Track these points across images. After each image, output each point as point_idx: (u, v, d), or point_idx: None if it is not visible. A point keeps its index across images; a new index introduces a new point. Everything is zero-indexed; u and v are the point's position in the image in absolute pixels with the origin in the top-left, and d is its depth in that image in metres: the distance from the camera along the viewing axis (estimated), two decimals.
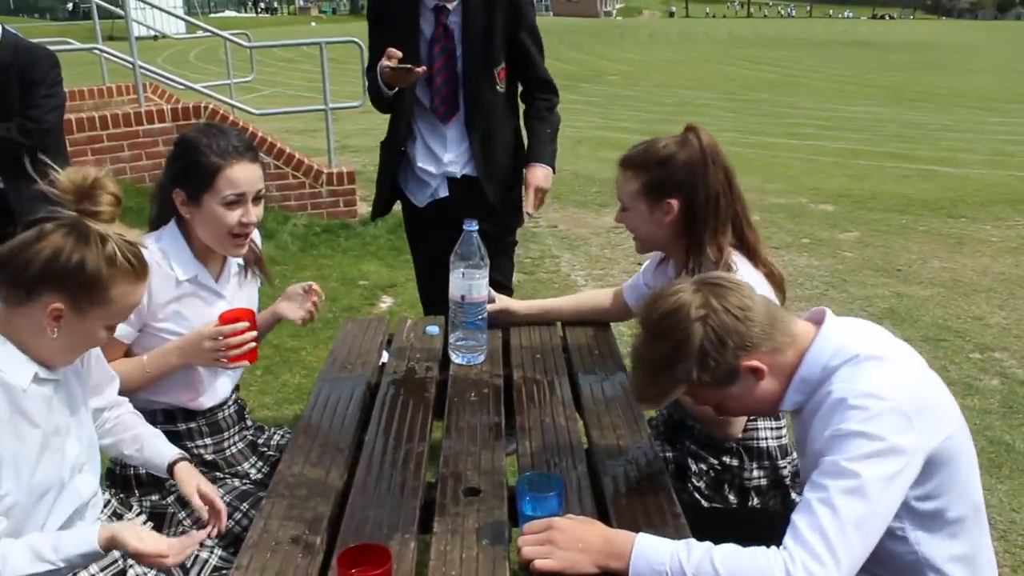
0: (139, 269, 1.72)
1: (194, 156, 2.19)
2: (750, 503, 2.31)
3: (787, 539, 1.59)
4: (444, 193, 3.39)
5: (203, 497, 2.02)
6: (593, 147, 11.21)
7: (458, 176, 3.38)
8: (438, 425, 2.33)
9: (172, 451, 2.11)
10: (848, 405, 1.63)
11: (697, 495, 2.31)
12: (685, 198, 2.24)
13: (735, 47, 26.90)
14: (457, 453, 2.11)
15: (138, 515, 2.02)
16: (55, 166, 1.73)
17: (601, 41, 28.89)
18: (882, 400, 1.62)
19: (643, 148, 2.30)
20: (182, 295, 2.27)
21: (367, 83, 3.36)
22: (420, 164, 3.38)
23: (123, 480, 2.24)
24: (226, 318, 2.24)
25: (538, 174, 3.37)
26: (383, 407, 2.36)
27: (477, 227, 2.49)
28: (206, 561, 2.03)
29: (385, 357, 2.72)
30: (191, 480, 2.04)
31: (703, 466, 2.34)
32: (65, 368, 1.81)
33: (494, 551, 1.73)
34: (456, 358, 2.61)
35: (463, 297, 2.51)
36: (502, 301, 2.79)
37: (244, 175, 2.22)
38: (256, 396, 4.30)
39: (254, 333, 2.27)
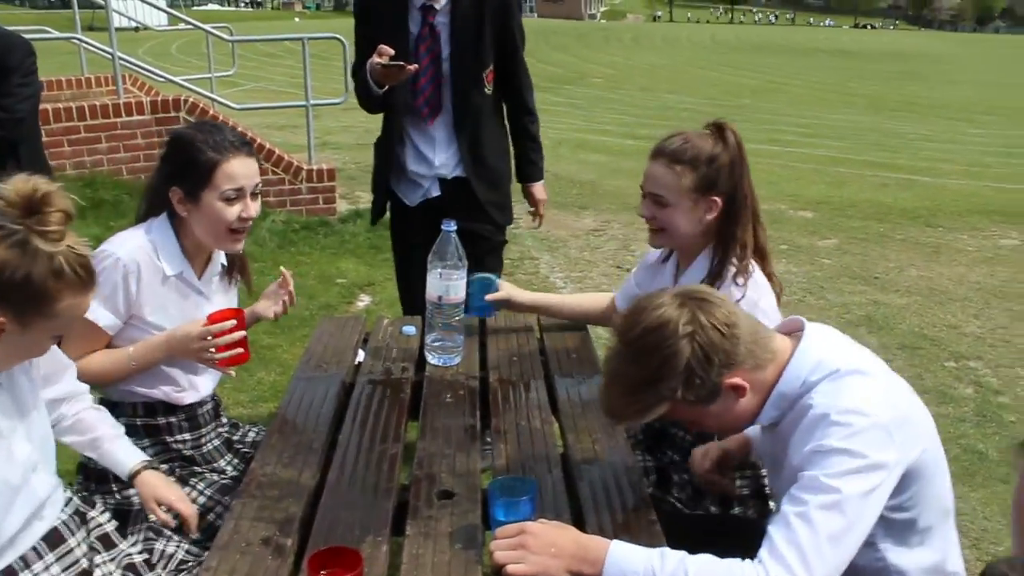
0: (87, 280, 1.67)
1: (190, 153, 2.17)
2: (732, 512, 2.31)
3: (763, 552, 1.58)
4: (436, 192, 3.37)
5: (164, 503, 2.00)
6: (573, 149, 11.21)
7: (449, 178, 3.36)
8: (413, 426, 2.31)
9: (134, 459, 2.05)
10: (831, 421, 1.62)
11: (679, 504, 2.30)
12: (727, 198, 2.23)
13: (718, 52, 27.00)
14: (431, 455, 2.09)
15: (102, 512, 1.99)
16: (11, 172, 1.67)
17: (585, 44, 28.92)
18: (864, 416, 1.61)
19: (684, 142, 2.23)
20: (168, 290, 2.25)
21: (354, 83, 3.32)
22: (411, 167, 3.35)
23: (96, 474, 2.21)
24: (215, 318, 2.21)
25: (539, 191, 3.63)
26: (358, 407, 2.34)
27: (455, 228, 2.47)
28: (172, 555, 2.00)
29: (361, 356, 2.70)
30: (149, 492, 2.01)
31: (685, 476, 2.33)
32: (6, 376, 1.76)
33: (467, 555, 1.71)
34: (432, 359, 2.59)
35: (440, 298, 2.49)
36: (505, 290, 2.74)
37: (242, 170, 2.21)
38: (231, 394, 4.26)
39: (243, 334, 2.24)
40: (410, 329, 2.84)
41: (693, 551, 1.63)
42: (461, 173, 3.34)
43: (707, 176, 2.21)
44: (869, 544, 1.68)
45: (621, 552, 1.63)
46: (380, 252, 6.57)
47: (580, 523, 1.83)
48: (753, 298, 2.18)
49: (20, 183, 1.60)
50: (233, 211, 2.20)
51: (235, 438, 2.50)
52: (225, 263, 2.41)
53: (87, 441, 2.07)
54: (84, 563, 1.84)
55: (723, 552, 1.62)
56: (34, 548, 1.78)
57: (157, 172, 2.27)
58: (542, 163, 3.61)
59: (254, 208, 2.25)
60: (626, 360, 1.72)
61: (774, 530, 1.59)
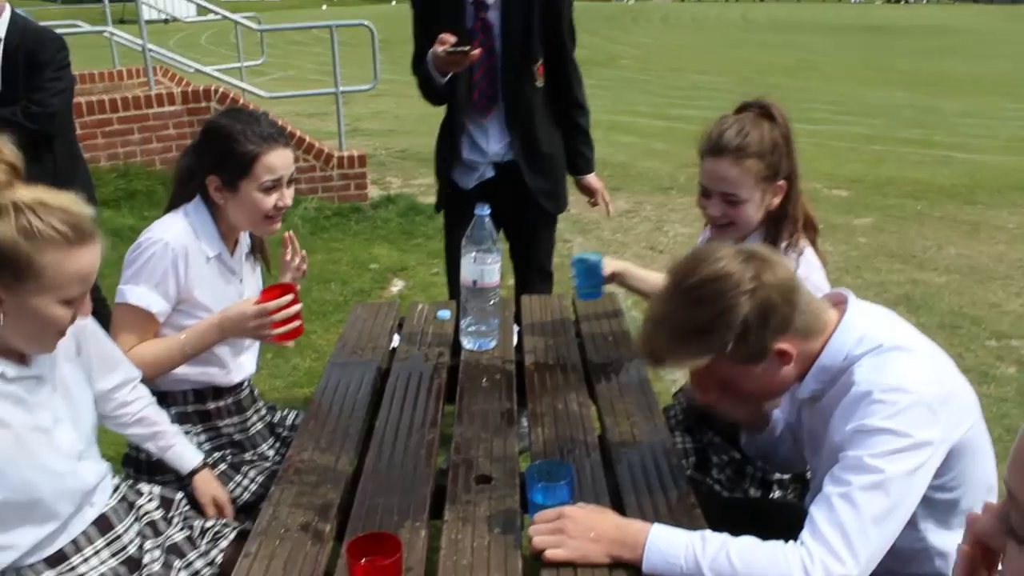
0: (71, 235, 1.60)
1: (229, 143, 2.18)
2: (771, 496, 2.28)
3: (805, 534, 1.56)
4: (490, 174, 3.38)
5: (219, 503, 2.10)
6: (605, 131, 11.12)
7: (502, 162, 3.37)
8: (449, 410, 2.30)
9: (195, 458, 2.15)
10: (873, 399, 1.58)
11: (718, 487, 2.28)
12: (788, 178, 2.20)
13: (749, 31, 26.70)
14: (468, 440, 2.08)
15: (149, 500, 2.00)
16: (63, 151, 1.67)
17: (614, 25, 28.71)
18: (908, 394, 1.57)
19: (739, 132, 2.16)
20: (210, 271, 2.28)
21: (416, 78, 3.32)
22: (467, 156, 3.36)
23: (145, 465, 2.24)
24: (269, 295, 2.23)
25: (593, 180, 3.63)
26: (394, 392, 2.34)
27: (489, 211, 2.45)
28: (210, 528, 2.02)
29: (396, 341, 2.69)
30: (207, 490, 2.13)
31: (725, 457, 2.31)
32: (46, 361, 1.76)
33: (505, 539, 1.70)
34: (467, 343, 2.58)
35: (475, 282, 2.47)
36: (613, 264, 2.63)
37: (280, 160, 2.23)
38: (267, 380, 4.28)
39: (299, 307, 2.25)
40: (444, 313, 2.83)
41: (732, 535, 1.61)
42: (513, 158, 3.35)
43: (772, 164, 2.17)
44: (910, 525, 1.65)
45: (662, 535, 1.61)
46: (412, 237, 6.57)
47: (619, 507, 1.82)
48: (804, 273, 2.14)
49: None
50: (271, 200, 2.23)
51: (275, 421, 2.52)
52: (249, 244, 2.44)
53: (150, 434, 2.12)
54: (132, 549, 1.86)
55: (763, 536, 1.60)
56: (84, 532, 1.81)
57: (192, 159, 2.28)
58: (592, 155, 3.61)
59: (289, 196, 2.28)
60: (680, 305, 1.67)
61: (816, 511, 1.57)
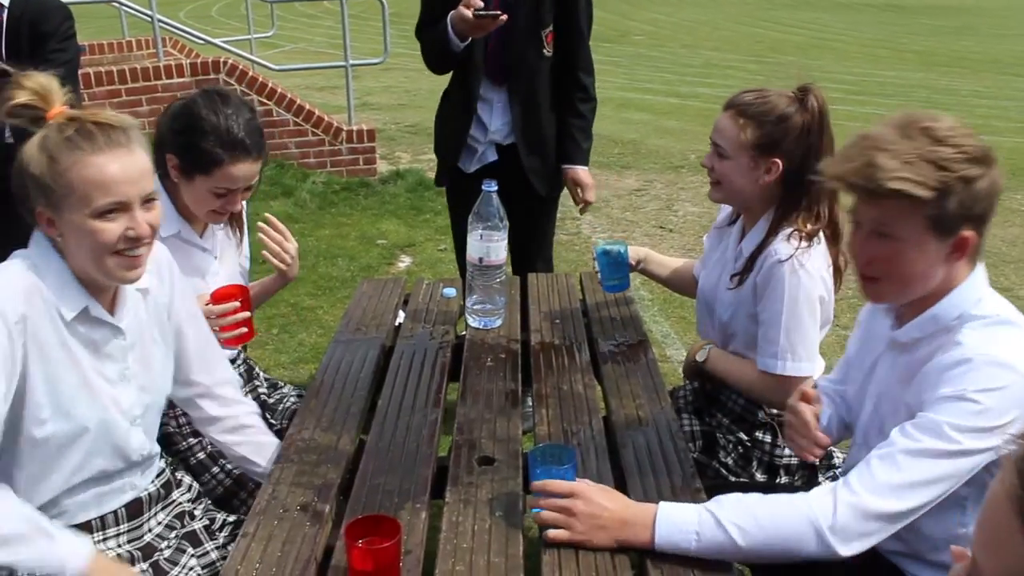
0: (84, 141, 1.58)
1: (199, 137, 2.11)
2: (778, 481, 2.25)
3: (852, 475, 1.54)
4: (492, 158, 3.28)
5: None
6: (616, 108, 11.05)
7: (503, 144, 3.28)
8: (453, 387, 2.28)
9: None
10: (974, 367, 1.53)
11: (724, 471, 2.25)
12: (792, 161, 2.13)
13: (763, 8, 26.45)
14: (472, 420, 2.06)
15: (184, 493, 1.99)
16: None
17: (627, 1, 28.51)
18: (1012, 371, 1.52)
19: (759, 98, 2.15)
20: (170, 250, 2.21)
21: (420, 42, 3.21)
22: (470, 132, 3.26)
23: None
24: (218, 296, 2.20)
25: (582, 174, 3.36)
26: (397, 371, 2.31)
27: (496, 187, 2.42)
28: (232, 522, 1.99)
29: (401, 318, 2.67)
30: None
31: (732, 440, 2.28)
32: (132, 317, 1.77)
33: (507, 522, 1.68)
34: (473, 321, 2.55)
35: (481, 260, 2.44)
36: (635, 252, 2.65)
37: (242, 173, 2.17)
38: (272, 355, 4.27)
39: (246, 314, 2.23)
40: (450, 291, 2.80)
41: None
42: (514, 140, 3.26)
43: (771, 135, 2.12)
44: (959, 507, 1.61)
45: (671, 508, 1.60)
46: (421, 213, 6.54)
47: (623, 489, 1.79)
48: (801, 259, 2.10)
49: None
50: (219, 202, 2.19)
51: (272, 401, 2.48)
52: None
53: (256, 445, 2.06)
54: (149, 537, 1.85)
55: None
56: (114, 512, 1.80)
57: (162, 129, 2.20)
58: (589, 146, 3.41)
59: (240, 203, 2.25)
60: (922, 136, 1.57)
61: (876, 458, 1.55)
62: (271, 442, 2.05)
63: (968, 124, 1.62)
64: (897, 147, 1.56)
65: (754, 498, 1.58)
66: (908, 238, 1.60)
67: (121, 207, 1.61)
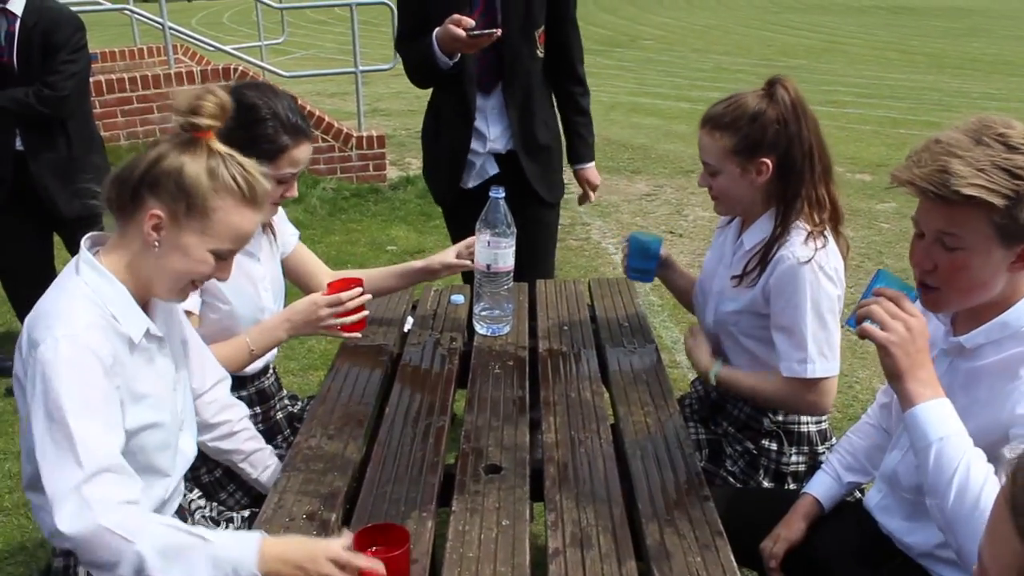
0: (246, 192, 1.65)
1: (260, 127, 2.11)
2: (786, 488, 2.24)
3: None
4: (493, 170, 3.18)
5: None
6: (626, 113, 11.05)
7: (503, 152, 3.18)
8: (461, 395, 2.27)
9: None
10: None
11: (731, 479, 2.24)
12: (780, 156, 2.13)
13: (774, 12, 26.42)
14: (479, 428, 2.05)
15: (200, 497, 2.01)
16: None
17: (635, 3, 28.48)
18: None
19: (728, 105, 2.15)
20: None
21: (401, 56, 3.13)
22: (471, 144, 3.16)
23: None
24: (336, 287, 2.25)
25: (592, 174, 3.43)
26: (404, 378, 2.31)
27: (503, 194, 2.41)
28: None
29: (409, 325, 2.67)
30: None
31: (739, 448, 2.27)
32: (168, 325, 1.80)
33: (514, 532, 1.67)
34: (481, 328, 2.54)
35: (488, 266, 2.44)
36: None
37: (304, 155, 2.20)
38: (282, 362, 4.27)
39: (368, 298, 2.29)
40: (458, 298, 2.80)
41: (746, 526, 1.57)
42: (513, 146, 3.18)
43: (749, 136, 2.11)
44: None
45: (949, 407, 1.55)
46: (431, 219, 6.54)
47: (631, 496, 1.79)
48: (820, 261, 2.09)
49: (191, 90, 1.66)
50: (279, 190, 2.19)
51: (295, 411, 2.49)
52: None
53: (251, 450, 2.10)
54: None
55: (770, 526, 1.54)
56: None
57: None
58: (593, 141, 3.40)
59: (296, 189, 2.27)
60: (995, 144, 1.56)
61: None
62: (261, 449, 2.11)
63: None
64: (971, 153, 1.55)
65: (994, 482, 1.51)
66: (974, 246, 1.58)
67: (231, 255, 1.71)
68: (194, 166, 1.62)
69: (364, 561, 1.51)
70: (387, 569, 1.49)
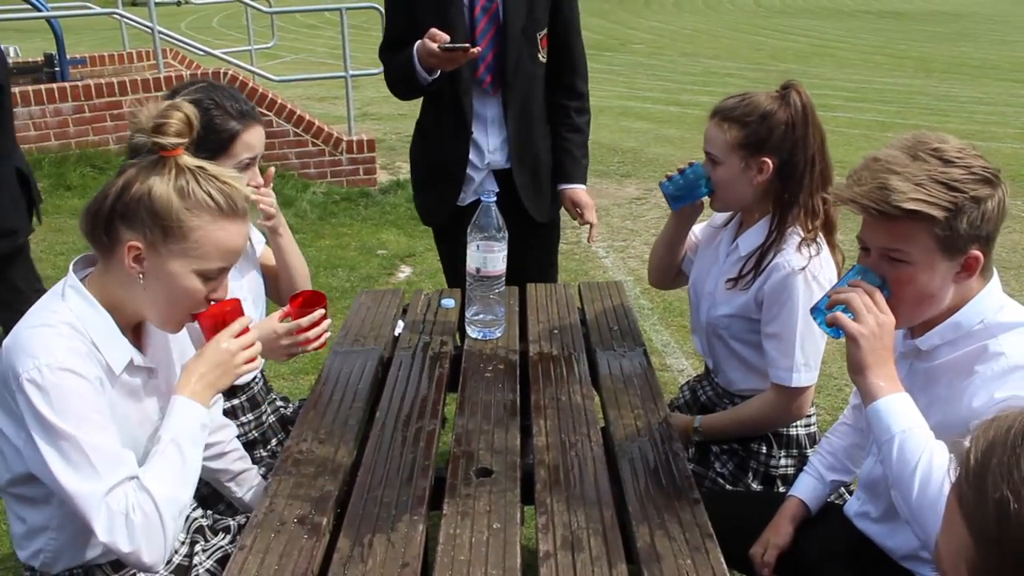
0: (223, 205, 1.59)
1: (206, 120, 2.07)
2: (776, 490, 2.25)
3: None
4: (492, 188, 2.97)
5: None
6: (615, 116, 11.07)
7: (504, 167, 3.03)
8: (452, 398, 2.28)
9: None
10: None
11: (721, 480, 2.25)
12: (782, 158, 2.15)
13: (762, 16, 26.49)
14: (470, 431, 2.06)
15: (195, 508, 1.99)
16: None
17: (625, 8, 28.52)
18: None
19: (741, 101, 2.18)
20: None
21: (384, 65, 3.00)
22: (469, 157, 3.01)
23: None
24: (298, 303, 2.16)
25: (582, 194, 3.12)
26: (395, 382, 2.31)
27: (495, 199, 2.41)
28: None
29: (400, 328, 2.67)
30: None
31: (727, 450, 2.28)
32: (161, 356, 1.77)
33: (505, 535, 1.67)
34: (473, 332, 2.55)
35: (478, 270, 2.44)
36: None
37: (256, 138, 2.20)
38: (272, 366, 4.26)
39: (328, 322, 2.19)
40: (449, 302, 2.80)
41: (736, 528, 1.58)
42: (509, 162, 3.02)
43: (756, 133, 2.14)
44: None
45: (903, 402, 1.60)
46: (420, 223, 6.52)
47: (621, 499, 1.79)
48: (814, 270, 2.11)
49: (153, 104, 1.60)
50: (245, 178, 2.16)
51: (287, 414, 2.49)
52: None
53: (239, 470, 2.14)
54: (178, 559, 1.86)
55: (759, 528, 1.55)
56: None
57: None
58: (587, 163, 3.16)
59: (258, 175, 2.24)
60: (933, 158, 1.59)
61: None
62: (248, 469, 2.13)
63: (975, 147, 1.64)
64: (908, 169, 1.58)
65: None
66: (919, 260, 1.62)
67: (222, 272, 1.66)
68: (163, 188, 1.56)
69: (237, 324, 1.67)
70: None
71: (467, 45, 2.67)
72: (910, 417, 1.57)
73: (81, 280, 1.64)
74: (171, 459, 1.60)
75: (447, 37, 2.66)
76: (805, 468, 2.10)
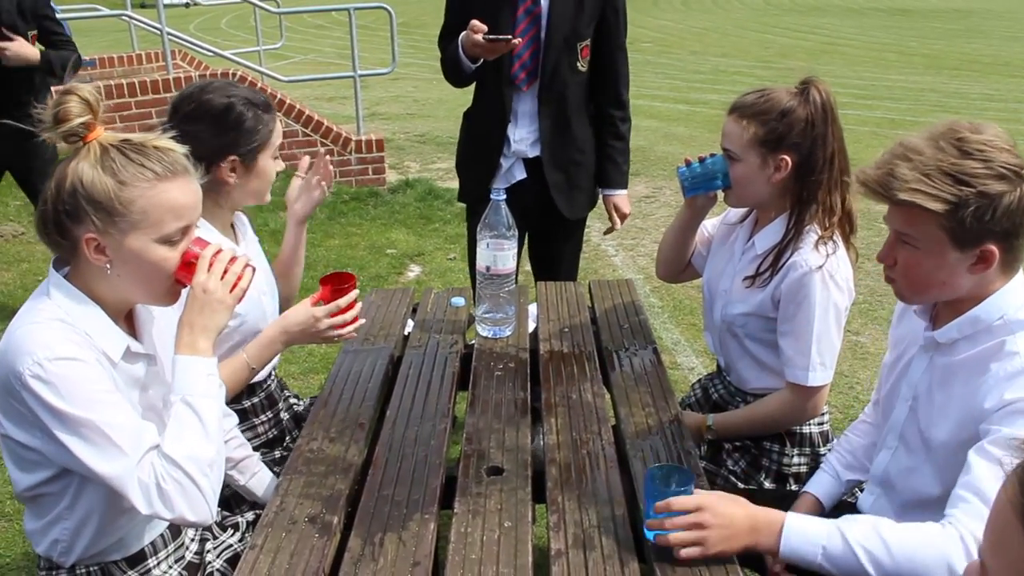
0: (157, 170, 1.56)
1: (243, 121, 2.13)
2: (788, 488, 2.24)
3: (956, 512, 1.51)
4: (520, 175, 3.17)
5: None
6: None
7: (530, 157, 3.17)
8: (462, 397, 2.27)
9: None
10: None
11: (733, 478, 2.24)
12: (801, 155, 2.13)
13: (772, 14, 26.45)
14: (480, 430, 2.05)
15: None
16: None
17: (633, 7, 28.51)
18: None
19: (760, 97, 2.16)
20: None
21: (441, 53, 3.17)
22: (492, 144, 3.17)
23: None
24: (325, 293, 2.16)
25: (623, 202, 3.36)
26: (405, 381, 2.30)
27: (505, 196, 2.41)
28: (253, 521, 2.01)
29: (409, 327, 2.66)
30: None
31: (739, 448, 2.27)
32: (155, 341, 1.76)
33: (516, 533, 1.66)
34: (482, 331, 2.54)
35: (488, 268, 2.44)
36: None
37: (280, 127, 2.26)
38: (282, 366, 4.26)
39: (359, 304, 2.21)
40: (459, 300, 2.80)
41: None
42: (537, 153, 3.16)
43: (775, 130, 2.12)
44: None
45: (798, 521, 1.59)
46: (430, 222, 6.54)
47: (632, 498, 1.78)
48: (831, 269, 2.09)
49: (49, 101, 1.57)
50: (280, 166, 2.27)
51: (300, 410, 2.49)
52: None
53: (240, 458, 2.11)
54: (189, 556, 1.86)
55: None
56: (161, 535, 1.82)
57: (201, 143, 2.03)
58: (627, 168, 3.34)
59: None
60: (946, 148, 1.57)
61: (966, 489, 1.51)
62: (249, 456, 2.12)
63: (1010, 138, 1.60)
64: (922, 157, 1.57)
65: (887, 524, 1.54)
66: (927, 247, 1.61)
67: (185, 232, 1.64)
68: (91, 173, 1.54)
69: (206, 256, 1.65)
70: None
71: (508, 36, 2.83)
72: (815, 529, 1.56)
73: (64, 277, 1.64)
74: (184, 418, 1.60)
75: (486, 28, 2.82)
76: (821, 465, 2.09)
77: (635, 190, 7.65)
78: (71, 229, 1.57)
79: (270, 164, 2.21)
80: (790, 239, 2.15)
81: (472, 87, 3.23)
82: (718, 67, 15.74)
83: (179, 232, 1.62)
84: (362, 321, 2.25)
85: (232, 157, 2.14)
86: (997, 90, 13.46)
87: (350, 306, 2.18)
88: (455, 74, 3.11)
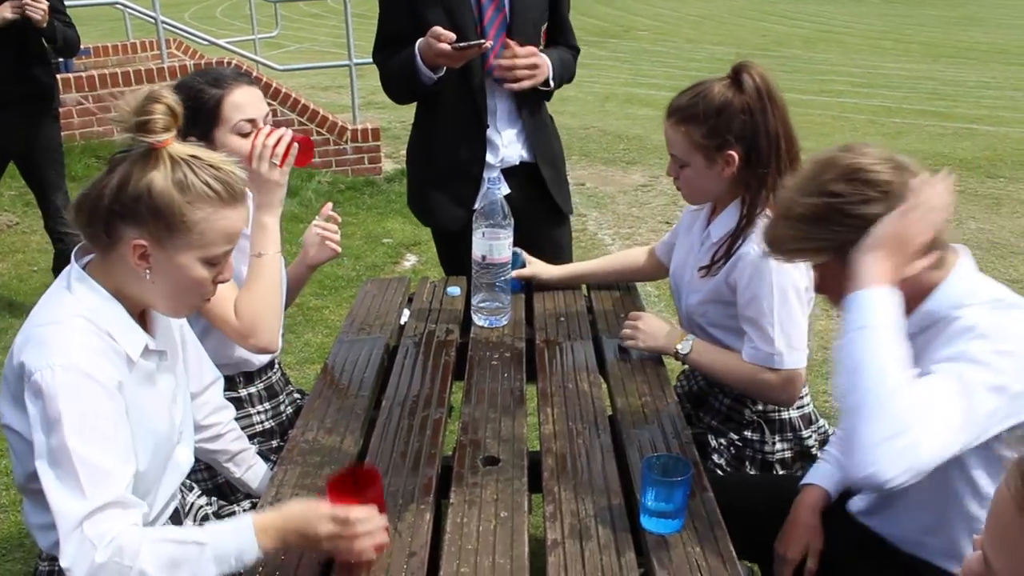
0: (223, 194, 1.56)
1: (196, 96, 2.06)
2: (776, 474, 2.24)
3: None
4: (505, 190, 2.78)
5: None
6: (621, 104, 11.04)
7: (516, 163, 2.94)
8: (458, 386, 2.27)
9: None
10: (979, 333, 1.51)
11: (719, 472, 2.23)
12: (746, 147, 2.11)
13: (768, 2, 26.35)
14: (476, 420, 2.05)
15: (199, 496, 2.00)
16: None
17: None
18: (1019, 342, 1.49)
19: (693, 96, 2.14)
20: None
21: (380, 68, 2.90)
22: (471, 158, 2.88)
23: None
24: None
25: (536, 57, 2.80)
26: (401, 370, 2.30)
27: (500, 185, 2.40)
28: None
29: (405, 317, 2.66)
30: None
31: (723, 441, 2.27)
32: (168, 337, 1.76)
33: (512, 523, 1.66)
34: (479, 320, 2.54)
35: (483, 257, 2.43)
36: (532, 267, 2.70)
37: (247, 98, 2.13)
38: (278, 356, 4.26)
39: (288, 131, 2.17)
40: (454, 290, 2.79)
41: (738, 513, 1.64)
42: (527, 155, 2.94)
43: (715, 128, 2.10)
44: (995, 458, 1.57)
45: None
46: None
47: (629, 487, 1.78)
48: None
49: (130, 96, 1.54)
50: (247, 143, 2.11)
51: (304, 404, 2.48)
52: None
53: (237, 450, 2.11)
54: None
55: (766, 514, 1.65)
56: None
57: None
58: (564, 72, 2.94)
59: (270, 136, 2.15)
60: (810, 194, 1.61)
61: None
62: (246, 449, 2.12)
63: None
64: (793, 213, 1.66)
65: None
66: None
67: (227, 255, 1.64)
68: (162, 183, 1.52)
69: (357, 511, 1.52)
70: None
71: (480, 41, 2.62)
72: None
73: (83, 268, 1.63)
74: (178, 553, 1.47)
75: (453, 36, 2.58)
76: (820, 455, 2.07)
77: (631, 179, 7.65)
78: (120, 229, 1.55)
79: (232, 140, 2.10)
80: (743, 226, 2.14)
81: None
82: (714, 55, 15.69)
83: (224, 255, 1.63)
84: (295, 147, 2.15)
85: (190, 138, 2.04)
86: (994, 78, 13.44)
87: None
88: (407, 88, 2.83)
